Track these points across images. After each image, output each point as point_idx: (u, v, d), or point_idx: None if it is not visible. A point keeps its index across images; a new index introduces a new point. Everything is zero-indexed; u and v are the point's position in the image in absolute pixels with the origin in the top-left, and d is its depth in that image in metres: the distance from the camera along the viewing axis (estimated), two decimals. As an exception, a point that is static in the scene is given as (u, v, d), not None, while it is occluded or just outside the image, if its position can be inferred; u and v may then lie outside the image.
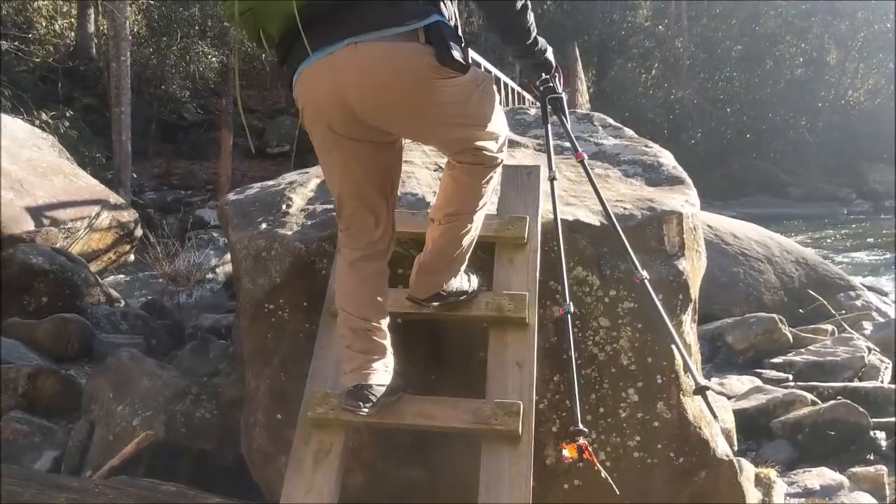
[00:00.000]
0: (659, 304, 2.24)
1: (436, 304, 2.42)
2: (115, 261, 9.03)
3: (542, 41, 2.44)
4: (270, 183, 3.38)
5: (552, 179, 2.59)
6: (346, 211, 2.27)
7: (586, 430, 2.21)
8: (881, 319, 7.17)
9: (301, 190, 3.10)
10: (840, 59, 29.07)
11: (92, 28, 20.56)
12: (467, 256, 2.41)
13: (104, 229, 8.55)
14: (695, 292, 2.75)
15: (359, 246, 2.27)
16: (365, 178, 2.21)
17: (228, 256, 10.61)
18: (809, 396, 5.04)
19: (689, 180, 3.14)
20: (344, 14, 1.98)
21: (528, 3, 2.24)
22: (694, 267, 2.78)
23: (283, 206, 2.94)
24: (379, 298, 2.28)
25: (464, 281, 2.45)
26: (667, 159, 3.35)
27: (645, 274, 2.33)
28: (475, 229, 2.39)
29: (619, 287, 2.62)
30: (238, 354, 3.80)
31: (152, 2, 21.21)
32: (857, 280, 8.71)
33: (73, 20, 19.93)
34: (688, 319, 2.74)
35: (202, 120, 21.25)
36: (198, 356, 5.35)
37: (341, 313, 2.27)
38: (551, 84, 2.56)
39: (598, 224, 2.67)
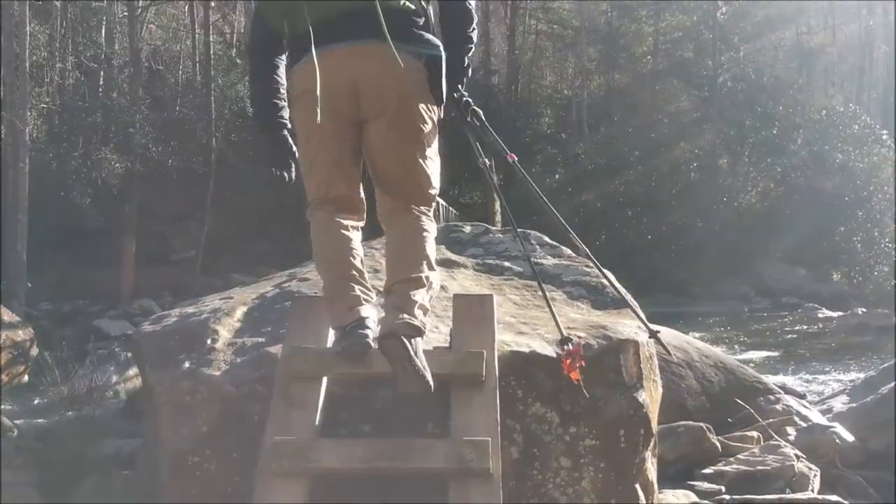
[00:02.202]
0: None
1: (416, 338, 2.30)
2: (7, 383, 8.33)
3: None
4: (190, 310, 3.11)
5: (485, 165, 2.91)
6: (329, 182, 2.56)
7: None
8: (802, 424, 7.19)
9: (227, 320, 2.84)
10: (731, 163, 30.54)
11: (-12, 133, 19.87)
12: None
13: (-4, 350, 7.93)
14: (655, 425, 2.60)
15: (334, 208, 2.55)
16: (347, 153, 2.57)
17: (130, 372, 10.01)
18: (747, 513, 4.92)
19: (634, 304, 3.04)
20: (371, 18, 2.39)
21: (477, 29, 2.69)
22: (653, 398, 2.64)
23: (208, 341, 2.67)
24: (357, 254, 2.52)
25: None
26: (610, 281, 3.25)
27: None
28: (436, 286, 2.56)
29: (581, 423, 2.45)
30: (141, 489, 3.43)
31: (53, 108, 20.73)
32: (770, 381, 8.79)
33: (-31, 126, 19.23)
34: (649, 456, 2.58)
35: (104, 226, 20.53)
36: (99, 493, 4.92)
37: (328, 272, 2.45)
38: (468, 98, 2.78)
39: (554, 356, 2.50)
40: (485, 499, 2.05)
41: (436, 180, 2.64)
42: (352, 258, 2.49)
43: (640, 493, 2.48)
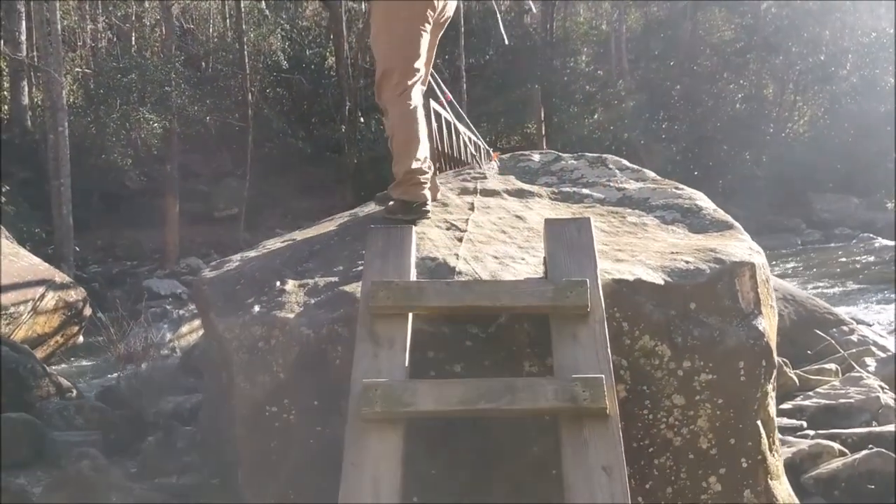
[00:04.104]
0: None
1: None
2: (63, 344, 8.32)
3: None
4: (252, 254, 2.90)
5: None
6: (420, 67, 2.96)
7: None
8: (882, 354, 6.88)
9: (294, 261, 2.62)
10: (777, 93, 29.61)
11: (26, 100, 19.91)
12: None
13: (50, 311, 7.86)
14: (776, 356, 2.33)
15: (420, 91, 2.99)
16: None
17: (184, 329, 9.99)
18: (836, 446, 4.66)
19: (737, 225, 2.75)
20: None
21: None
22: (771, 325, 2.37)
23: (277, 283, 2.45)
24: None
25: None
26: (704, 202, 2.97)
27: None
28: None
29: (695, 357, 2.19)
30: (206, 443, 3.30)
31: (88, 71, 20.67)
32: (842, 312, 8.44)
33: (5, 93, 19.23)
34: (771, 389, 2.32)
35: (146, 187, 20.57)
36: (163, 449, 4.86)
37: (416, 149, 2.89)
38: None
39: (662, 283, 2.24)
40: (603, 441, 1.81)
41: None
42: (430, 141, 3.09)
43: (762, 430, 2.24)
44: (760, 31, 28.61)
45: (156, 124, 18.81)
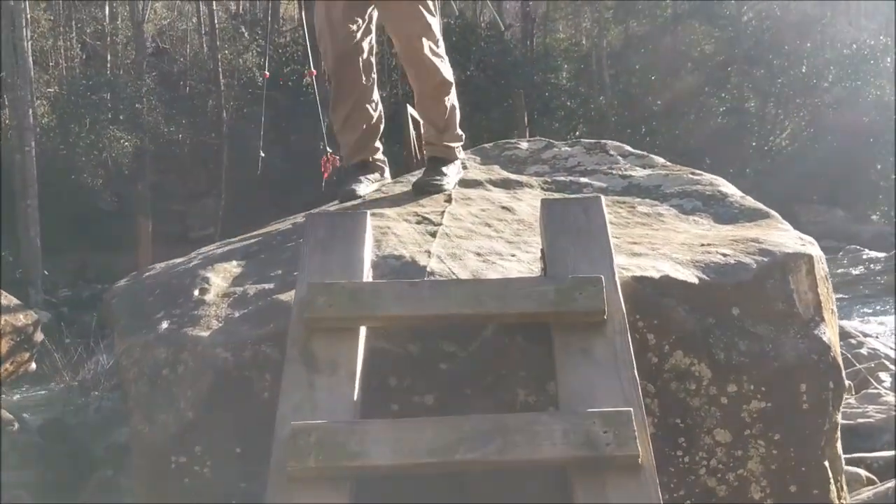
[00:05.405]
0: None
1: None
2: (13, 372, 7.73)
3: None
4: (179, 260, 2.35)
5: None
6: None
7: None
8: (893, 368, 6.45)
9: (222, 266, 2.06)
10: (759, 106, 29.50)
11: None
12: None
13: (-4, 337, 7.29)
14: (844, 374, 1.80)
15: None
16: None
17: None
18: (863, 473, 4.19)
19: (774, 213, 2.24)
20: None
21: None
22: (835, 335, 1.84)
23: (196, 292, 1.89)
24: None
25: None
26: (729, 188, 2.46)
27: None
28: None
29: (742, 379, 1.65)
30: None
31: (59, 91, 20.17)
32: (846, 325, 8.02)
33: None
34: (840, 420, 1.79)
35: (118, 208, 19.99)
36: (107, 491, 4.40)
37: None
38: None
39: (696, 281, 1.70)
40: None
41: None
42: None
43: (830, 474, 1.71)
44: (741, 45, 28.55)
45: (126, 143, 18.28)
